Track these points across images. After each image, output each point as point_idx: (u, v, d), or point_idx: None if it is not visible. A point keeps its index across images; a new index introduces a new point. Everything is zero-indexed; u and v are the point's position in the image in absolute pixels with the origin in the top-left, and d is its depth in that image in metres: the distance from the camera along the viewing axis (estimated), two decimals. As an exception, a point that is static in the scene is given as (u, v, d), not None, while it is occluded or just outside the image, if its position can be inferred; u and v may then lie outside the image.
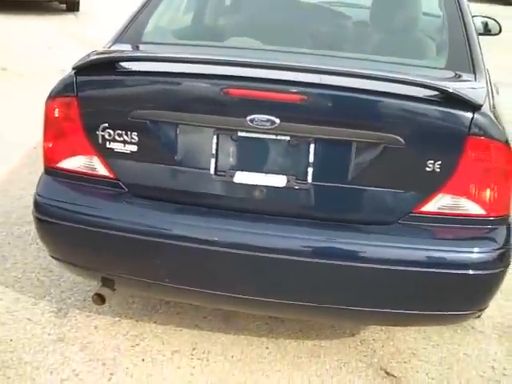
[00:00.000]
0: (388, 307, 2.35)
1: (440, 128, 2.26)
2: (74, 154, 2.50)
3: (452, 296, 2.32)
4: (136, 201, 2.45)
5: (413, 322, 2.63)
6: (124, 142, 2.42)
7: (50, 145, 2.54)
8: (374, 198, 2.36)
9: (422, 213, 2.31)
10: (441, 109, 2.28)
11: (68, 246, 2.56)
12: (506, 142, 2.28)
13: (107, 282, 2.57)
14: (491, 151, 2.27)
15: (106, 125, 2.42)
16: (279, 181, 2.35)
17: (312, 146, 2.31)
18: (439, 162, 2.24)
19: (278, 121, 2.26)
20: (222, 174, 2.38)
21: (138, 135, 2.41)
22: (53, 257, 2.66)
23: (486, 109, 2.34)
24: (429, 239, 2.33)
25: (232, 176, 2.37)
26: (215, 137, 2.36)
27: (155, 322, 2.97)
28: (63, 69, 2.73)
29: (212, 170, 2.38)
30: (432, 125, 2.29)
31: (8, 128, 5.37)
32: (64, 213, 2.50)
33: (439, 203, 2.30)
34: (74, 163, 2.51)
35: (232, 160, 2.39)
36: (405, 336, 2.93)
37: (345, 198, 2.37)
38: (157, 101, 2.43)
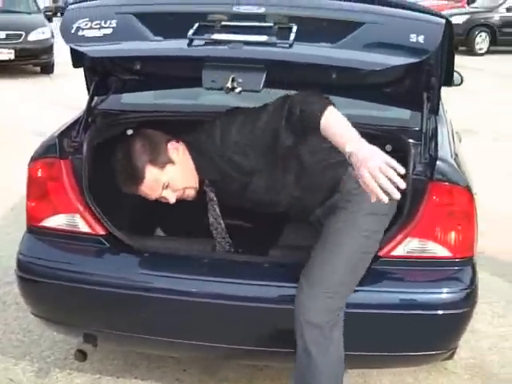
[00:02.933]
0: (362, 350, 2.42)
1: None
2: (56, 212, 2.59)
3: (423, 336, 2.40)
4: (119, 256, 2.54)
5: (386, 364, 2.70)
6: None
7: (33, 204, 2.63)
8: None
9: (391, 257, 2.41)
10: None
11: (51, 304, 2.61)
12: (467, 187, 2.41)
13: (89, 338, 2.61)
14: (454, 196, 2.40)
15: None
16: None
17: None
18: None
19: None
20: None
21: None
22: (36, 315, 2.70)
23: (447, 156, 2.51)
24: (399, 282, 2.44)
25: None
26: None
27: (136, 378, 2.99)
28: (41, 131, 2.83)
29: None
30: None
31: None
32: (47, 271, 2.55)
33: (408, 247, 2.40)
34: (57, 221, 2.59)
35: None
36: (381, 379, 2.99)
37: None
38: None
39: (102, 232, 2.55)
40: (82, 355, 2.65)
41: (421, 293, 2.39)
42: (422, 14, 2.37)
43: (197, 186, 2.50)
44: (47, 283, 2.55)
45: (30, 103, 9.40)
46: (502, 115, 8.74)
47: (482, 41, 16.99)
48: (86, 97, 2.79)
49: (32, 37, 12.01)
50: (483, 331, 3.38)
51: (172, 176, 2.41)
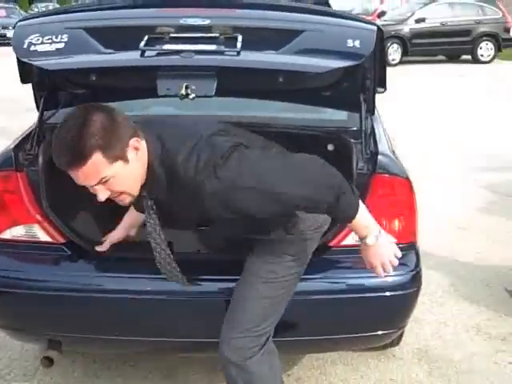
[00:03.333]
0: (324, 334, 2.57)
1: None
2: (15, 224, 2.65)
3: (376, 317, 2.59)
4: (80, 262, 2.62)
5: (341, 346, 2.87)
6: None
7: None
8: None
9: (342, 246, 2.59)
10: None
11: (16, 314, 2.65)
12: (407, 178, 2.62)
13: (54, 344, 2.66)
14: (395, 186, 2.61)
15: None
16: None
17: None
18: None
19: None
20: None
21: None
22: (0, 326, 2.74)
23: (387, 151, 2.73)
24: (350, 269, 2.60)
25: None
26: None
27: (98, 388, 3.06)
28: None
29: None
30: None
31: None
32: (9, 281, 2.60)
33: (355, 236, 2.57)
34: (16, 232, 2.64)
35: None
36: (335, 370, 3.16)
37: None
38: None
39: (62, 240, 2.63)
40: (48, 361, 2.70)
41: (370, 277, 2.54)
42: (356, 22, 2.59)
43: (137, 194, 2.16)
44: (10, 293, 2.59)
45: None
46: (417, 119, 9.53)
47: (394, 52, 17.74)
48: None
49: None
50: (424, 319, 3.60)
51: (116, 174, 2.03)
